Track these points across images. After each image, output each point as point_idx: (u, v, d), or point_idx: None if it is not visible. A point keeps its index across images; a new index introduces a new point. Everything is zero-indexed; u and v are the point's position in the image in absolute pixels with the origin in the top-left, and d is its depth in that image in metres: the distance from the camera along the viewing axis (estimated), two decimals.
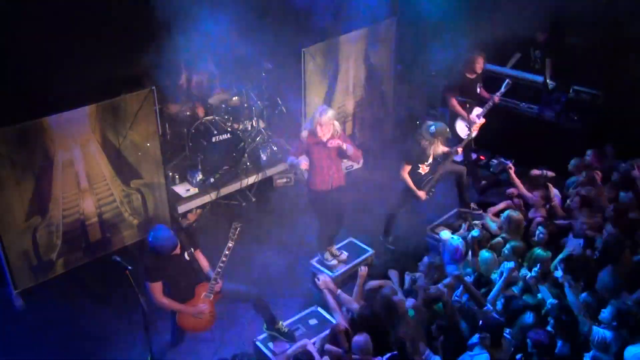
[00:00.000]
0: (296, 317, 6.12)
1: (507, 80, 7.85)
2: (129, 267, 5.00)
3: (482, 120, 7.87)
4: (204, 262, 5.54)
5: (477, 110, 7.90)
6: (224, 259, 5.33)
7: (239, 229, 5.36)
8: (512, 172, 7.24)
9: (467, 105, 7.84)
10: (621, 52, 7.98)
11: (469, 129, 7.83)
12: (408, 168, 6.84)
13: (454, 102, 7.88)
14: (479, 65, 7.88)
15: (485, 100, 7.92)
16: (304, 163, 6.17)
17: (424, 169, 6.94)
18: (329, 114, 6.06)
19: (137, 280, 5.05)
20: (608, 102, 8.37)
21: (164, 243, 5.08)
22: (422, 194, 6.94)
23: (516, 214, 6.33)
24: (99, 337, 6.27)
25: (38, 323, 6.45)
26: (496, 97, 7.80)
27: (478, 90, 8.04)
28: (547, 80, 8.83)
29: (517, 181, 7.21)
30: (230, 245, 5.33)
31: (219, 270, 5.34)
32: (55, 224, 6.71)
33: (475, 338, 4.87)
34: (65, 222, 6.77)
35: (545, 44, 8.93)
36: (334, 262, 6.83)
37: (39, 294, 6.74)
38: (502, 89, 7.79)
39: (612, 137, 7.87)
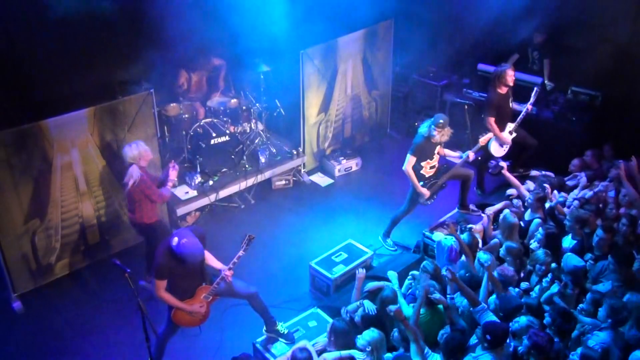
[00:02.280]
0: (295, 318, 6.12)
1: (535, 89, 7.68)
2: (128, 270, 4.99)
3: (514, 135, 7.79)
4: (213, 261, 5.56)
5: (510, 127, 7.74)
6: (231, 266, 5.35)
7: (252, 240, 5.34)
8: (506, 172, 7.19)
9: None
10: (619, 53, 7.99)
11: (503, 148, 7.77)
12: (413, 161, 6.82)
13: (492, 121, 7.64)
14: (510, 77, 7.60)
15: (517, 113, 7.72)
16: (169, 184, 6.46)
17: (427, 171, 6.93)
18: (144, 146, 6.30)
19: (136, 283, 5.05)
20: (606, 103, 8.38)
21: (194, 252, 5.07)
22: (425, 191, 6.92)
23: (511, 217, 6.31)
24: (98, 340, 6.26)
25: (37, 326, 6.44)
26: (529, 107, 7.64)
27: (511, 105, 7.82)
28: (546, 81, 8.82)
29: (515, 181, 7.20)
30: (240, 254, 5.34)
31: (224, 276, 5.36)
32: (54, 227, 6.71)
33: (474, 338, 4.86)
34: (64, 225, 6.77)
35: (543, 44, 8.93)
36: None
37: (38, 297, 6.73)
38: (532, 98, 7.62)
39: (610, 138, 7.87)
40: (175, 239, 5.04)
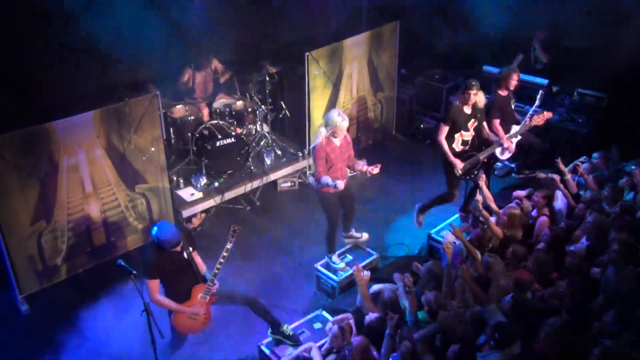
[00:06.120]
0: (301, 320, 6.12)
1: (540, 92, 7.58)
2: (134, 272, 5.00)
3: (519, 137, 7.75)
4: (200, 263, 5.57)
5: (515, 129, 7.61)
6: (221, 260, 5.35)
7: (237, 231, 5.35)
8: (483, 184, 6.90)
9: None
10: (625, 55, 7.96)
11: (506, 150, 7.70)
12: (445, 130, 6.64)
13: (496, 123, 7.50)
14: (514, 81, 7.53)
15: (519, 113, 7.66)
16: (340, 183, 6.09)
17: (458, 145, 6.73)
18: (345, 120, 6.13)
19: (142, 285, 5.06)
20: (612, 105, 8.35)
21: (169, 237, 5.12)
22: (458, 163, 6.70)
23: (516, 209, 6.26)
24: (103, 342, 6.27)
25: (43, 327, 6.46)
26: (532, 111, 7.49)
27: (513, 106, 7.75)
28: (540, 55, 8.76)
29: (487, 193, 6.93)
30: (228, 247, 5.34)
31: (216, 272, 5.36)
32: (60, 228, 6.73)
33: (482, 338, 4.84)
34: (70, 227, 6.79)
35: (543, 42, 8.88)
36: (341, 264, 6.82)
37: (44, 299, 6.76)
38: (537, 102, 7.49)
39: (617, 139, 7.84)
40: (155, 229, 5.15)
